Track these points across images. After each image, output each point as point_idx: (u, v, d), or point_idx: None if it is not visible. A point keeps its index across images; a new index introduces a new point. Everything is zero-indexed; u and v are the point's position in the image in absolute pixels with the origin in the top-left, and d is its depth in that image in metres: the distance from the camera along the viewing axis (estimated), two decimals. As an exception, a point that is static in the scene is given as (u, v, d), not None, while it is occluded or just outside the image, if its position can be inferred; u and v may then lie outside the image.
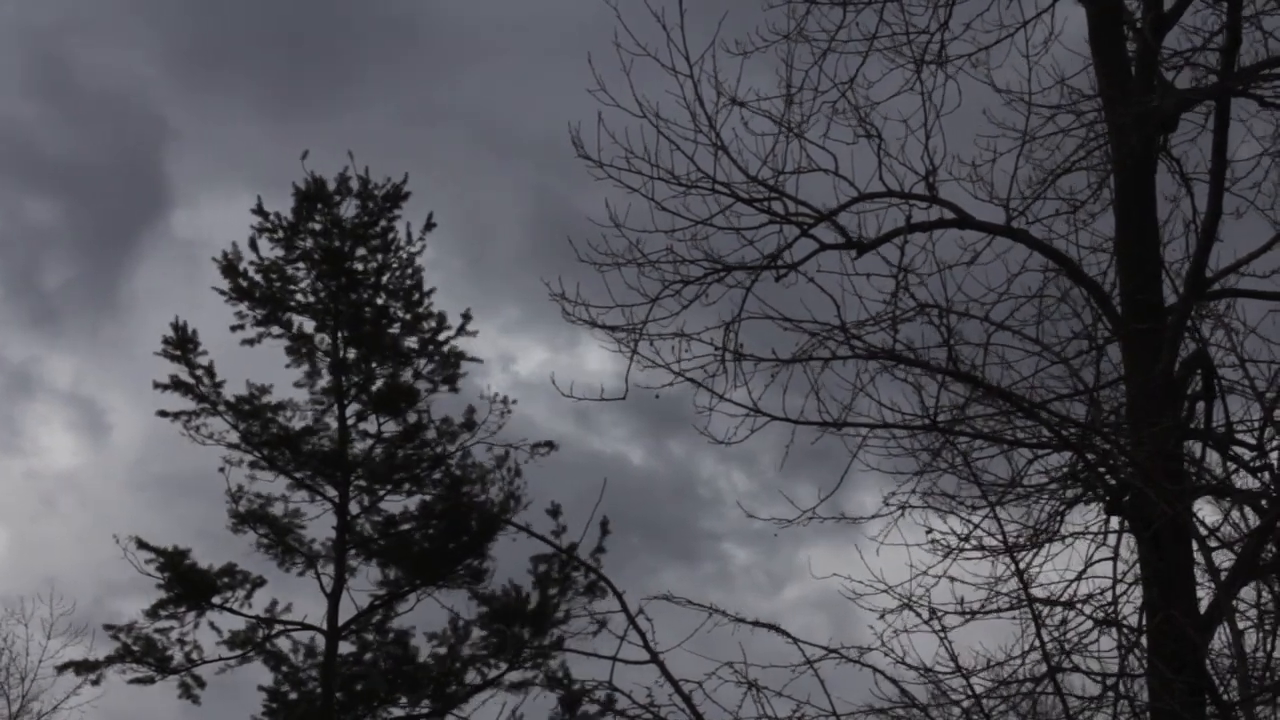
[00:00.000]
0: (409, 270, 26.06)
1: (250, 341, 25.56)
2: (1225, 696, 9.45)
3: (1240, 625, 9.44)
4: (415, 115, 48.27)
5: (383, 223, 26.01)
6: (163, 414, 24.99)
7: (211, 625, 24.55)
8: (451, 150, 47.33)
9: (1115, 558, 10.24)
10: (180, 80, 49.46)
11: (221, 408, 25.03)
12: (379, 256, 25.93)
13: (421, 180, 44.57)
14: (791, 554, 38.70)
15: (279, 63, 49.62)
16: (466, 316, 26.05)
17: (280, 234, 25.70)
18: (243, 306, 25.50)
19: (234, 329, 25.49)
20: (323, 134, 49.68)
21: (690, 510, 33.58)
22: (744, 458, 34.63)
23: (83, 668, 24.43)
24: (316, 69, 49.56)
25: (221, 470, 24.98)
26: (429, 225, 26.16)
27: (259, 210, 25.72)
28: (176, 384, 25.00)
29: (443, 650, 24.79)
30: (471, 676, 24.77)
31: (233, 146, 48.84)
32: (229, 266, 25.48)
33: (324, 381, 25.54)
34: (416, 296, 26.04)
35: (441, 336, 25.88)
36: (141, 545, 24.43)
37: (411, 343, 25.85)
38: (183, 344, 25.09)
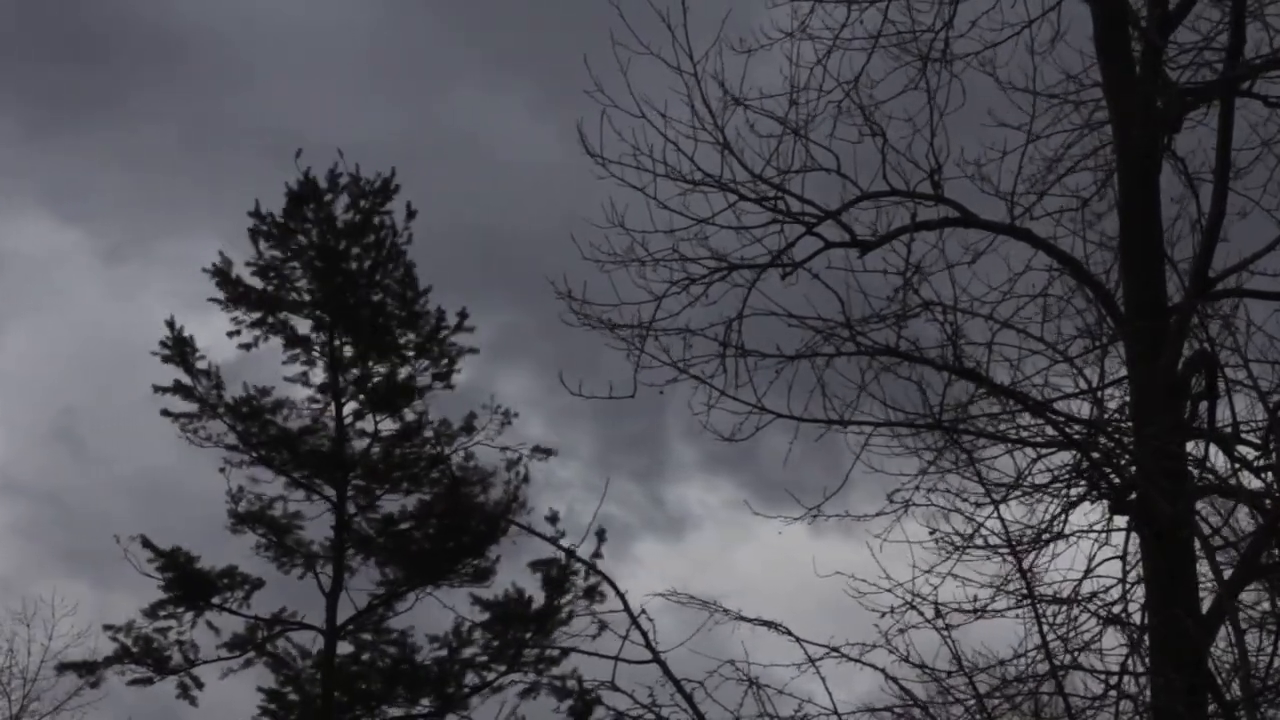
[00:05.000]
0: (402, 265, 26.05)
1: (247, 346, 25.60)
2: (1227, 696, 9.45)
3: (1243, 625, 9.43)
4: (191, 130, 48.47)
5: (375, 218, 26.01)
6: (165, 413, 25.04)
7: (210, 625, 24.62)
8: (232, 165, 47.93)
9: (1124, 557, 10.24)
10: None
11: (221, 410, 25.03)
12: (373, 253, 25.92)
13: (207, 196, 45.00)
14: (622, 548, 38.84)
15: (42, 83, 49.62)
16: (462, 315, 26.09)
17: (274, 236, 25.68)
18: (239, 312, 25.53)
19: (230, 334, 25.55)
20: (95, 150, 49.34)
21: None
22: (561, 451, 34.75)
23: (82, 668, 24.47)
24: (83, 87, 49.40)
25: (222, 471, 25.04)
26: (411, 214, 26.17)
27: (255, 213, 25.70)
28: (178, 387, 25.00)
29: (444, 652, 24.82)
30: (471, 678, 24.83)
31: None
32: (222, 274, 25.48)
33: (321, 379, 25.56)
34: (410, 294, 26.04)
35: (441, 335, 25.90)
36: (146, 544, 24.46)
37: (409, 339, 25.86)
38: (179, 346, 25.07)
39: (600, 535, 23.99)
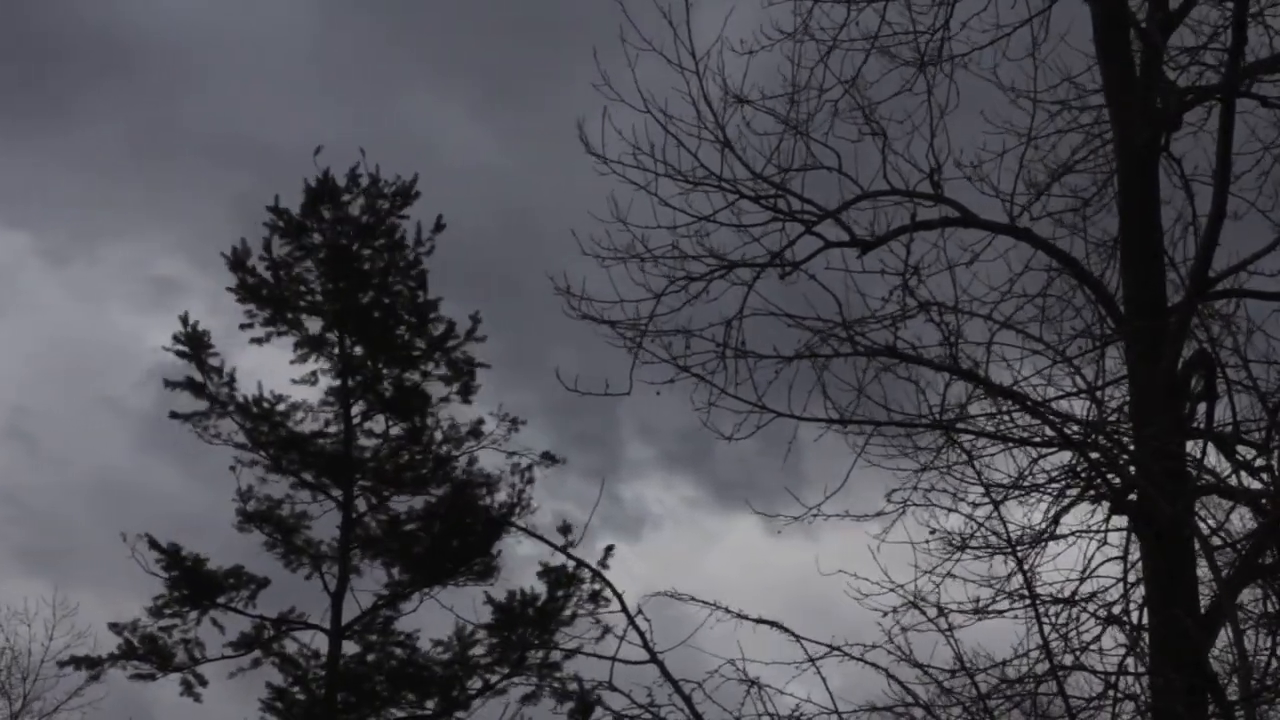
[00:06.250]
0: (415, 271, 26.02)
1: (259, 340, 25.56)
2: (1227, 696, 9.45)
3: (1242, 625, 9.43)
4: (137, 134, 49.18)
5: (391, 221, 25.97)
6: (174, 415, 25.02)
7: (215, 623, 24.64)
8: (179, 169, 48.15)
9: (1125, 557, 10.24)
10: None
11: (232, 409, 25.00)
12: (386, 255, 25.88)
13: (153, 199, 45.29)
14: (585, 547, 39.06)
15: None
16: (475, 319, 26.06)
17: (288, 231, 25.61)
18: (252, 305, 25.48)
19: (243, 327, 25.51)
20: (40, 153, 50.10)
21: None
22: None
23: (85, 664, 24.50)
24: (29, 91, 49.88)
25: (232, 469, 25.04)
26: (438, 226, 26.02)
27: (273, 208, 25.65)
28: (189, 384, 24.96)
29: (448, 655, 24.83)
30: (476, 681, 24.82)
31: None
32: (237, 263, 25.40)
33: (331, 381, 25.54)
34: (422, 298, 26.00)
35: (450, 342, 25.86)
36: (153, 545, 24.47)
37: (420, 344, 25.83)
38: (194, 342, 25.04)
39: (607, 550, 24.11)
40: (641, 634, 8.59)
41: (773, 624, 8.90)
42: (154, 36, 50.15)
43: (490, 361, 26.06)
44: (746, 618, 8.87)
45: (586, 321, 10.38)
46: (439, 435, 25.47)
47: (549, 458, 25.57)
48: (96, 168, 49.78)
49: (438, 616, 25.35)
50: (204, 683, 24.25)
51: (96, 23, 49.94)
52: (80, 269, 47.52)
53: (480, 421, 25.56)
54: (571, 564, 24.56)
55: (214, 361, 25.04)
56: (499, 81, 46.48)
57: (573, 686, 24.04)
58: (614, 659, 8.57)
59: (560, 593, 25.02)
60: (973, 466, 9.76)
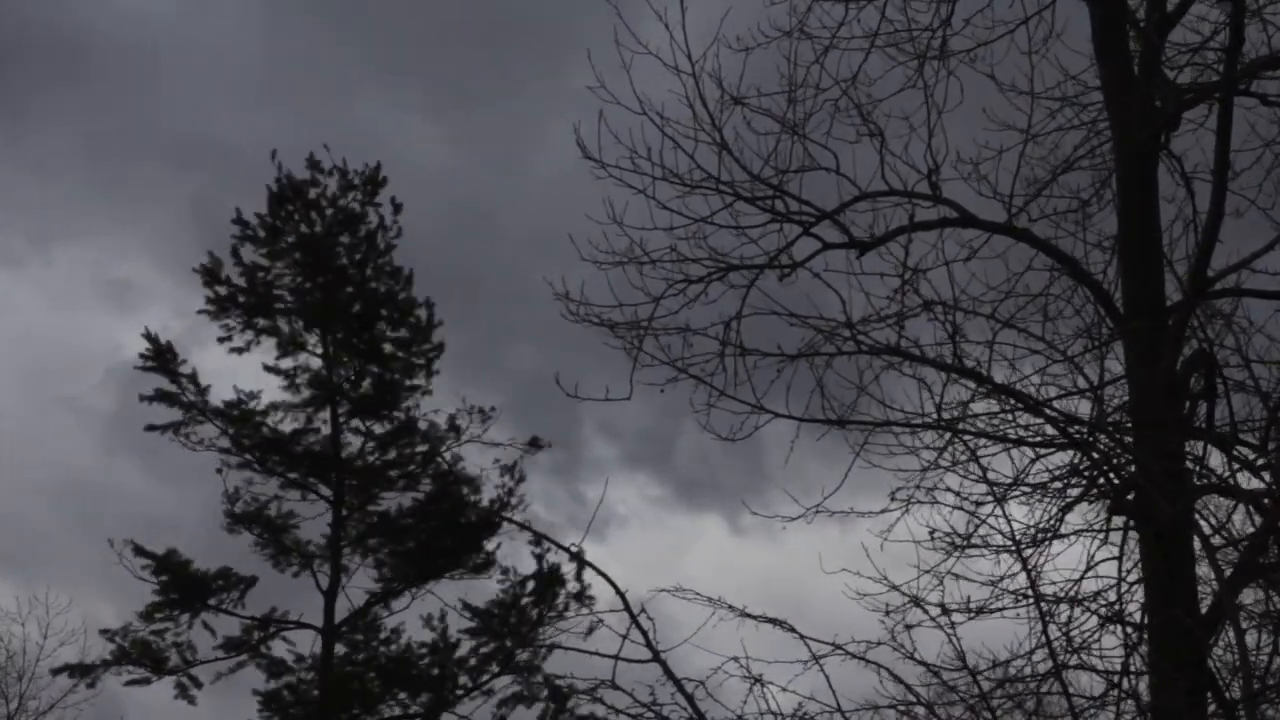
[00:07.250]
0: (385, 260, 26.02)
1: (239, 350, 25.54)
2: (1228, 695, 9.45)
3: (1243, 625, 9.43)
4: (92, 136, 50.06)
5: (365, 210, 25.98)
6: (151, 428, 24.98)
7: (206, 626, 24.62)
8: (135, 171, 48.24)
9: (1120, 557, 10.23)
10: None
11: (210, 413, 24.98)
12: (362, 249, 25.86)
13: (108, 201, 45.30)
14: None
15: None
16: (429, 304, 26.06)
17: (262, 236, 25.60)
18: (229, 318, 25.47)
19: (220, 340, 25.51)
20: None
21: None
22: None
23: (79, 671, 24.45)
24: None
25: (219, 472, 25.02)
26: (397, 208, 26.13)
27: (237, 219, 25.63)
28: (161, 395, 24.94)
29: (437, 653, 24.82)
30: (465, 679, 24.82)
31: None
32: (211, 277, 25.39)
33: (314, 383, 25.50)
34: (398, 289, 26.01)
35: (419, 335, 25.90)
36: (138, 551, 24.43)
37: (399, 337, 25.86)
38: (159, 355, 25.03)
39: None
40: (645, 634, 8.59)
41: (776, 622, 8.91)
42: (108, 39, 50.47)
43: (449, 357, 26.27)
44: (751, 616, 8.88)
45: (586, 325, 10.35)
46: (421, 431, 25.54)
47: (537, 445, 25.62)
48: (51, 170, 50.45)
49: (431, 614, 25.39)
50: (198, 685, 24.28)
51: (51, 25, 50.22)
52: (35, 271, 47.70)
53: (452, 416, 25.65)
54: (545, 562, 24.77)
55: (184, 369, 25.08)
56: (450, 83, 46.83)
57: (538, 681, 24.09)
58: (616, 657, 8.57)
59: (545, 587, 25.09)
60: (977, 464, 9.76)
